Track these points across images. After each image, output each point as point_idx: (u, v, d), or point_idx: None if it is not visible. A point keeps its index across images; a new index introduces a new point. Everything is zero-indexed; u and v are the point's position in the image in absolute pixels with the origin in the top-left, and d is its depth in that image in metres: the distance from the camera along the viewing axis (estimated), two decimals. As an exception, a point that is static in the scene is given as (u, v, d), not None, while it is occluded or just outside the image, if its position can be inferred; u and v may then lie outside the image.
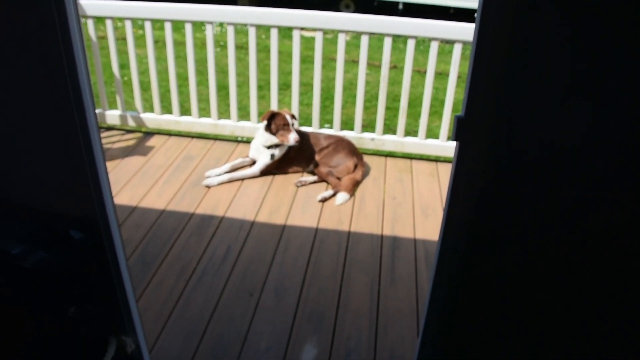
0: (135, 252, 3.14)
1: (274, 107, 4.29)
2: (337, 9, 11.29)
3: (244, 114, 4.60)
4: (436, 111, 6.68)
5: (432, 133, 5.34)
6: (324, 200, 3.70)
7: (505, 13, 1.27)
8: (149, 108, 4.59)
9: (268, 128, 3.88)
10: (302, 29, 3.98)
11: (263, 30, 4.09)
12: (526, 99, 1.37)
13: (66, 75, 1.49)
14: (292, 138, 3.76)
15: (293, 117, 3.87)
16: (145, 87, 6.07)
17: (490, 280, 1.71)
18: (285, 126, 3.79)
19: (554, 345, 1.83)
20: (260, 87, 6.95)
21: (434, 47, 3.88)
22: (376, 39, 4.49)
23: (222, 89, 6.15)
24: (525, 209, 1.54)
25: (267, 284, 2.94)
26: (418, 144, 4.24)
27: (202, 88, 6.29)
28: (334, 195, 3.74)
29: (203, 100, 5.67)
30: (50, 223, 1.71)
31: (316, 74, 4.11)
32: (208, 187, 3.80)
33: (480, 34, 1.31)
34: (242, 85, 6.75)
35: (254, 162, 4.07)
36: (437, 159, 4.35)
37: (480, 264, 1.68)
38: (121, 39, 4.42)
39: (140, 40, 4.71)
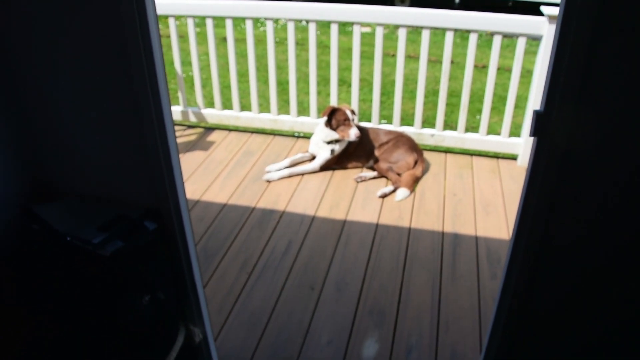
0: (198, 244, 3.21)
1: (333, 102, 4.30)
2: (392, 4, 11.20)
3: (302, 110, 4.63)
4: (495, 107, 6.55)
5: (491, 129, 5.25)
6: (384, 196, 3.68)
7: (589, 6, 1.24)
8: (210, 104, 4.68)
9: (328, 123, 3.89)
10: (362, 24, 3.97)
11: (320, 25, 4.08)
12: (607, 94, 1.33)
13: (145, 71, 1.54)
14: (352, 133, 3.77)
15: (353, 112, 3.88)
16: (205, 84, 6.21)
17: (564, 283, 1.67)
18: (346, 121, 3.80)
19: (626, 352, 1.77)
20: (318, 83, 7.01)
21: (497, 41, 3.80)
22: (433, 33, 4.45)
23: (280, 84, 6.23)
24: (603, 207, 1.50)
25: (328, 279, 2.96)
26: (479, 140, 4.17)
27: (260, 84, 6.38)
28: (394, 191, 3.73)
29: (262, 96, 5.75)
30: (127, 214, 1.77)
31: (376, 68, 4.09)
32: (268, 181, 3.84)
33: (562, 27, 1.28)
34: (299, 80, 6.80)
35: (313, 157, 4.09)
36: (497, 156, 4.27)
37: (554, 265, 1.64)
38: (180, 36, 4.52)
39: (200, 37, 4.81)
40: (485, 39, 8.45)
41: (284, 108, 5.83)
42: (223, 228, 3.36)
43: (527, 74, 5.46)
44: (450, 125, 5.56)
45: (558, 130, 1.38)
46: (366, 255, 3.14)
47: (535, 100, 3.83)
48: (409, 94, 6.74)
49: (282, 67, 6.82)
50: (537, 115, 1.39)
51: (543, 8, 3.61)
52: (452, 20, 3.78)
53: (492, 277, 2.99)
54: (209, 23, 4.19)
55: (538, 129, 1.40)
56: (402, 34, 3.93)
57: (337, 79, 4.21)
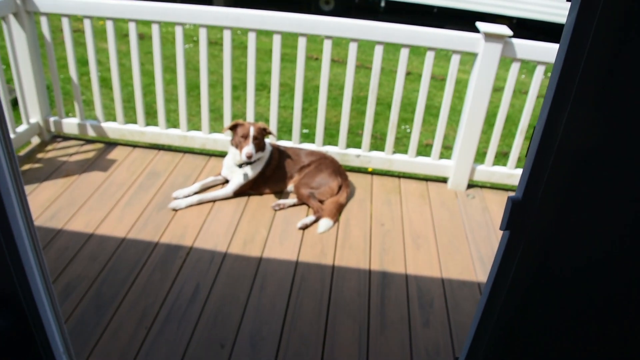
0: (89, 291, 2.73)
1: (249, 109, 3.85)
2: (317, 6, 10.86)
3: (217, 117, 4.17)
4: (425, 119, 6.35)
5: (422, 141, 5.01)
6: (304, 228, 3.32)
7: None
8: (111, 116, 4.14)
9: (232, 140, 3.49)
10: (282, 33, 3.58)
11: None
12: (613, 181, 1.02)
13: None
14: (244, 152, 3.37)
15: (264, 130, 3.48)
16: (107, 92, 5.62)
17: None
18: (245, 138, 3.40)
19: None
20: (235, 87, 6.55)
21: (430, 56, 3.52)
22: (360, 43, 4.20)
23: (194, 88, 5.74)
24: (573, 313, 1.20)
25: (241, 332, 2.57)
26: (407, 162, 3.89)
27: (172, 87, 5.85)
28: (315, 221, 3.37)
29: (173, 101, 5.23)
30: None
31: (298, 73, 3.69)
32: (175, 210, 3.40)
33: (560, 81, 0.95)
34: (216, 85, 6.34)
35: (227, 181, 3.67)
36: (427, 178, 4.00)
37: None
38: (77, 31, 3.96)
39: (101, 35, 4.24)
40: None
41: (198, 118, 5.36)
42: (120, 269, 2.89)
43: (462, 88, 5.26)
44: (375, 135, 5.29)
45: (540, 226, 1.06)
46: (284, 301, 2.77)
47: (467, 122, 3.59)
48: (333, 100, 6.42)
49: (197, 69, 6.35)
50: (514, 203, 1.06)
51: (479, 25, 3.36)
52: (381, 34, 3.46)
53: (424, 325, 2.70)
54: (109, 25, 3.67)
55: (512, 222, 1.08)
56: (327, 44, 3.57)
57: (255, 83, 3.76)
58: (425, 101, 3.66)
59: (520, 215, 1.07)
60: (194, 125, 5.10)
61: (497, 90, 4.90)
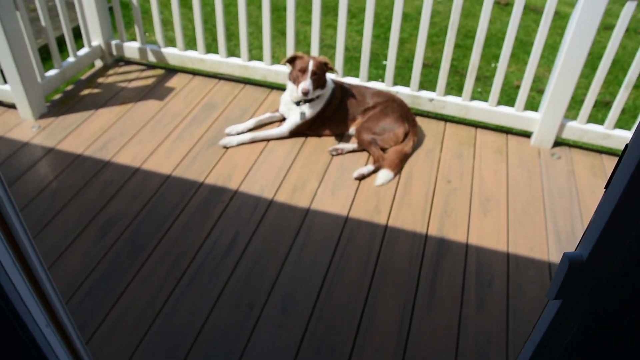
0: (126, 231, 2.62)
1: (314, 36, 3.50)
2: None
3: (280, 42, 3.81)
4: (515, 53, 5.71)
5: (506, 82, 4.47)
6: (361, 178, 3.03)
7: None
8: (172, 41, 3.93)
9: (290, 75, 3.19)
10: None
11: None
12: None
13: None
14: (300, 87, 3.07)
15: (325, 65, 3.13)
16: (167, 18, 5.38)
17: None
18: (303, 73, 3.08)
19: None
20: (301, 8, 6.14)
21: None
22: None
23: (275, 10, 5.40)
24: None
25: (274, 293, 2.38)
26: (487, 111, 3.44)
27: (231, 17, 5.52)
28: (374, 171, 3.06)
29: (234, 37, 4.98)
30: None
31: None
32: (226, 147, 3.19)
33: None
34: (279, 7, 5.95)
35: (284, 119, 3.41)
36: (508, 130, 3.54)
37: None
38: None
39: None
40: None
41: (276, 39, 5.05)
42: (160, 210, 2.75)
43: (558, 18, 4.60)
44: (459, 71, 4.78)
45: (613, 300, 0.72)
46: (326, 261, 2.53)
47: (562, 66, 3.06)
48: (414, 29, 5.87)
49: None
50: (572, 264, 0.73)
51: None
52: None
53: (478, 307, 2.39)
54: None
55: (568, 289, 0.75)
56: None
57: (321, 6, 3.37)
58: (514, 35, 3.13)
59: (582, 282, 0.73)
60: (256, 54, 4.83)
61: (607, 28, 4.20)
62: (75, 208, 2.75)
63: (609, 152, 3.43)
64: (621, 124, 3.64)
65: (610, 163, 3.35)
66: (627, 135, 3.31)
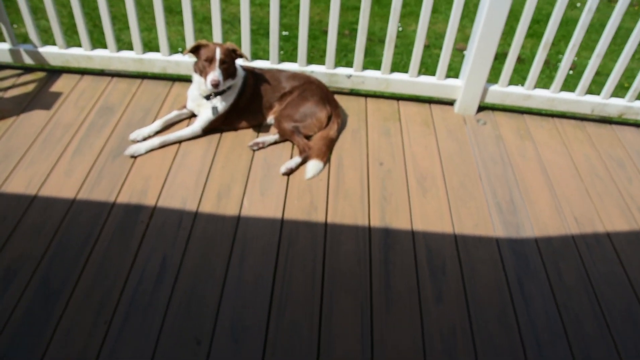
0: (34, 276, 2.24)
1: (215, 10, 3.16)
2: None
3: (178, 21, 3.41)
4: (412, 12, 5.62)
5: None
6: (289, 173, 2.81)
7: None
8: (47, 32, 3.43)
9: (196, 66, 2.87)
10: None
11: None
12: None
13: None
14: (209, 79, 2.75)
15: (234, 52, 2.84)
16: (37, 4, 4.78)
17: None
18: (209, 62, 2.77)
19: None
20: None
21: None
22: None
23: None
24: None
25: (220, 318, 2.14)
26: (408, 82, 3.30)
27: (120, 7, 5.01)
28: (302, 163, 2.85)
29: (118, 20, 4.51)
30: None
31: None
32: (134, 157, 2.84)
33: None
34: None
35: (194, 115, 3.09)
36: (430, 100, 3.42)
37: None
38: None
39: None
40: None
41: (168, 18, 4.61)
42: (70, 244, 2.39)
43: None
44: (370, 38, 4.61)
45: None
46: (270, 275, 2.31)
47: (482, 29, 2.96)
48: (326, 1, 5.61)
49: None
50: None
51: None
52: None
53: (437, 299, 2.27)
54: None
55: None
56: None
57: None
58: (429, 15, 2.98)
59: None
60: (151, 42, 4.42)
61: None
62: (-35, 257, 2.33)
63: (530, 112, 3.41)
64: (540, 84, 3.62)
65: (533, 122, 3.33)
66: (546, 94, 3.30)
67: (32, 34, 3.28)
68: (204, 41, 2.83)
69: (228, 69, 2.81)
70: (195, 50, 2.84)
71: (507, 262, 2.46)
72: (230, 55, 2.81)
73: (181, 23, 4.88)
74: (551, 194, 2.85)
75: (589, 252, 2.56)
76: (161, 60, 3.33)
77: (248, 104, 3.01)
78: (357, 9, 5.62)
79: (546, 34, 3.03)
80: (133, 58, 3.33)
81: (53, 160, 2.80)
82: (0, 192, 2.61)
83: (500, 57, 3.42)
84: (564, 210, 2.76)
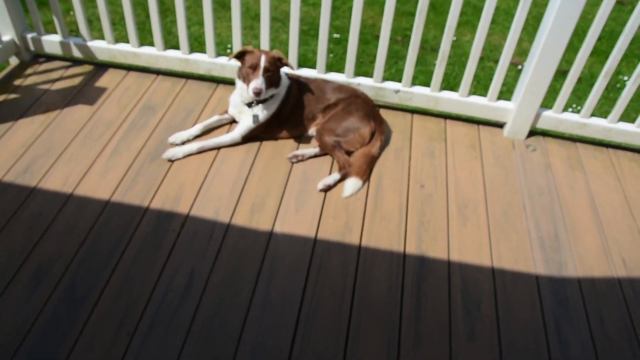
0: (63, 279, 2.24)
1: (264, 10, 3.08)
2: None
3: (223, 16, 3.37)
4: (468, 21, 5.44)
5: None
6: (327, 189, 2.73)
7: None
8: (99, 33, 3.45)
9: (240, 72, 2.81)
10: None
11: None
12: None
13: None
14: (251, 87, 2.68)
15: (279, 60, 2.77)
16: (94, 4, 4.79)
17: None
18: (253, 70, 2.70)
19: None
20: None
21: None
22: None
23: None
24: None
25: (243, 341, 2.09)
26: (457, 101, 3.17)
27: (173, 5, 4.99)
28: (341, 180, 2.77)
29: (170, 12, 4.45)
30: None
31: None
32: (171, 160, 2.81)
33: None
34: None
35: (234, 121, 3.04)
36: (479, 121, 3.29)
37: None
38: None
39: None
40: None
41: (218, 12, 4.58)
42: (100, 248, 2.38)
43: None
44: (423, 46, 4.47)
45: None
46: (298, 297, 2.25)
47: (541, 52, 2.80)
48: (381, 4, 5.49)
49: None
50: None
51: None
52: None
53: (468, 337, 2.17)
54: None
55: None
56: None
57: None
58: (485, 35, 2.85)
59: None
60: (201, 36, 4.37)
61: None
62: (0, 250, 2.34)
63: (584, 140, 3.24)
64: (597, 112, 3.44)
65: (585, 152, 3.16)
66: (603, 123, 3.12)
67: (82, 28, 3.29)
68: (249, 47, 2.77)
69: (272, 78, 2.75)
70: (240, 56, 2.79)
71: (546, 302, 2.34)
72: (275, 64, 2.75)
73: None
74: (599, 232, 2.69)
75: (635, 300, 2.40)
76: (207, 62, 3.29)
77: (290, 113, 2.95)
78: (412, 14, 5.49)
79: (609, 60, 2.86)
80: (179, 58, 3.31)
81: (91, 158, 2.80)
82: (39, 187, 2.63)
83: (555, 75, 3.26)
84: (612, 251, 2.60)
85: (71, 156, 2.80)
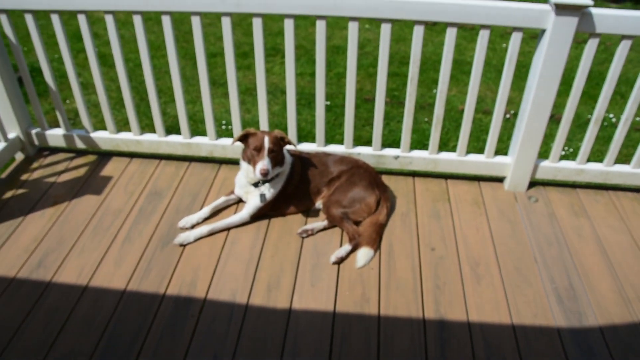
0: (83, 375, 2.22)
1: (260, 80, 3.16)
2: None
3: (223, 92, 3.48)
4: (452, 75, 5.61)
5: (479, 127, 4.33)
6: (340, 262, 2.76)
7: None
8: (101, 122, 3.53)
9: (244, 154, 2.88)
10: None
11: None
12: None
13: None
14: (258, 168, 2.74)
15: (282, 140, 2.85)
16: (87, 80, 4.96)
17: None
18: (258, 152, 2.77)
19: None
20: (244, 55, 5.84)
21: (484, 36, 2.81)
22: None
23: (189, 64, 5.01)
24: None
25: None
26: (456, 161, 3.25)
27: (166, 80, 5.16)
28: (352, 251, 2.80)
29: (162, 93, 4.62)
30: None
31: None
32: (182, 245, 2.84)
33: None
34: (218, 55, 5.67)
35: (241, 200, 3.09)
36: (478, 178, 3.36)
37: None
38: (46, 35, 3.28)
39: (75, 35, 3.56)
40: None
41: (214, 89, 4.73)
42: (120, 339, 2.37)
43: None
44: (403, 102, 4.61)
45: None
46: (324, 376, 2.24)
47: (529, 114, 2.92)
48: (365, 68, 5.67)
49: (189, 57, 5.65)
50: None
51: (549, -6, 2.63)
52: (420, 11, 2.74)
53: (499, 402, 2.15)
54: (82, 19, 3.01)
55: None
56: (353, 27, 2.88)
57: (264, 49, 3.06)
58: (476, 96, 2.97)
59: None
60: (195, 115, 4.49)
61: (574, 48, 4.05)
62: (18, 350, 2.32)
63: (584, 185, 3.31)
64: (593, 157, 3.52)
65: (587, 197, 3.22)
66: (600, 168, 3.20)
67: (85, 120, 3.38)
68: (251, 130, 2.85)
69: (276, 157, 2.82)
70: (243, 139, 2.86)
71: (572, 356, 2.33)
72: (279, 144, 2.82)
73: (224, 95, 5.00)
74: (612, 276, 2.72)
75: (661, 345, 2.41)
76: (208, 144, 3.38)
77: (296, 189, 3.00)
78: (397, 75, 5.71)
79: (597, 108, 2.97)
80: (181, 142, 3.39)
81: (103, 248, 2.82)
82: (53, 281, 2.63)
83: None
84: (629, 295, 2.62)
85: (83, 247, 2.83)
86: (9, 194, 3.20)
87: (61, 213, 3.06)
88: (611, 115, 5.02)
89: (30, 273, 2.68)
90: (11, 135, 3.40)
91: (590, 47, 2.77)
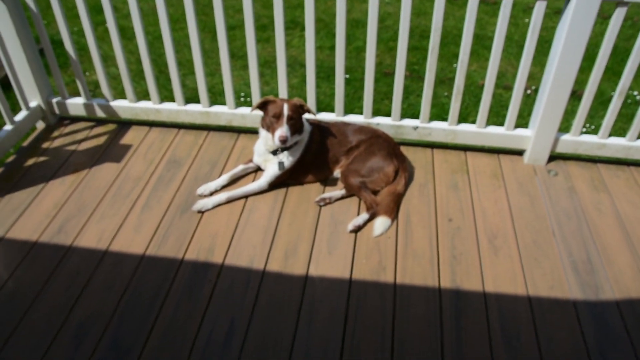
0: (105, 335, 2.27)
1: (280, 53, 3.14)
2: None
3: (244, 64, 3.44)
4: (473, 50, 5.54)
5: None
6: (357, 230, 2.77)
7: None
8: (121, 93, 3.55)
9: (263, 121, 2.88)
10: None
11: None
12: None
13: None
14: (277, 135, 2.74)
15: (301, 107, 2.85)
16: (107, 52, 4.98)
17: None
18: (277, 119, 2.77)
19: None
20: (263, 27, 5.82)
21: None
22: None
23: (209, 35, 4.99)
24: None
25: (288, 389, 2.09)
26: (475, 133, 3.23)
27: (185, 53, 5.16)
28: (369, 220, 2.80)
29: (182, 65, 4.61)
30: None
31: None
32: (201, 212, 2.86)
33: None
34: (237, 28, 5.64)
35: (259, 169, 3.10)
36: (498, 150, 3.33)
37: None
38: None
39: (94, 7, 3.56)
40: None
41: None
42: (139, 301, 2.42)
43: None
44: (422, 77, 4.58)
45: None
46: (338, 342, 2.26)
47: (551, 88, 2.87)
48: (385, 42, 5.62)
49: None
50: None
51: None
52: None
53: (512, 371, 2.16)
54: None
55: None
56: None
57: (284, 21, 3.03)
58: (497, 66, 2.92)
59: None
60: (214, 87, 4.50)
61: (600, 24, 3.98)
62: (41, 312, 2.37)
63: (605, 160, 3.27)
64: (615, 132, 3.47)
65: (607, 172, 3.19)
66: (622, 142, 3.16)
67: (105, 89, 3.40)
68: (271, 97, 2.85)
69: (295, 125, 2.82)
70: (262, 106, 2.86)
71: (587, 328, 2.32)
72: (298, 111, 2.82)
73: (243, 67, 4.99)
74: (631, 252, 2.69)
75: (677, 320, 2.39)
76: (227, 113, 3.38)
77: (314, 158, 3.00)
78: (417, 49, 5.65)
79: (622, 80, 2.91)
80: (200, 111, 3.40)
81: (123, 214, 2.86)
82: (74, 245, 2.68)
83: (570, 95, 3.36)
84: (647, 271, 2.60)
85: (103, 213, 2.87)
86: (30, 162, 3.25)
87: (81, 180, 3.10)
88: (635, 93, 4.93)
89: (51, 237, 2.73)
90: (32, 104, 3.43)
91: (617, 17, 2.71)
